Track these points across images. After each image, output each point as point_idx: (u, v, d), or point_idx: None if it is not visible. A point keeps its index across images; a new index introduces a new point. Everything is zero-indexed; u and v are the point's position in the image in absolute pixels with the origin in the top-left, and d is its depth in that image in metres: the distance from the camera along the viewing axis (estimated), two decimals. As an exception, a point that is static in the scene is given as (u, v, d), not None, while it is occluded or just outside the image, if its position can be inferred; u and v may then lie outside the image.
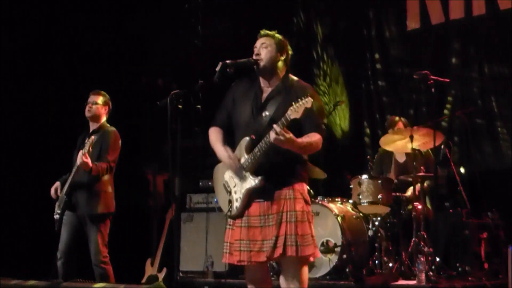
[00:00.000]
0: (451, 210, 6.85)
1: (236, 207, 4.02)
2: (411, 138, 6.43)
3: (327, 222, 6.60)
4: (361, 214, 6.80)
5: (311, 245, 3.93)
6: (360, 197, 6.61)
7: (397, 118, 7.14)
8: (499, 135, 7.94)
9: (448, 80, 6.69)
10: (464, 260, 6.48)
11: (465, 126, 7.79)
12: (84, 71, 8.70)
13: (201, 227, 7.74)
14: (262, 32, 4.19)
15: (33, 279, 5.34)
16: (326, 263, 6.46)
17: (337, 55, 9.31)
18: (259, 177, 3.93)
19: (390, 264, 6.40)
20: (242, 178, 4.00)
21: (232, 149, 4.09)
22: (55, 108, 8.61)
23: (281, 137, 3.76)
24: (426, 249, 6.12)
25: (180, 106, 4.10)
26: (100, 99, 5.99)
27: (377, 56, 8.95)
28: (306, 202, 4.01)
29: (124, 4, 9.06)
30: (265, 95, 4.11)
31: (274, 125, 3.79)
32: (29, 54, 8.69)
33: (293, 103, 3.77)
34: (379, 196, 6.51)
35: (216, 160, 4.28)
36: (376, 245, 6.54)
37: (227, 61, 4.09)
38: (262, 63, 4.09)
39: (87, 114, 5.97)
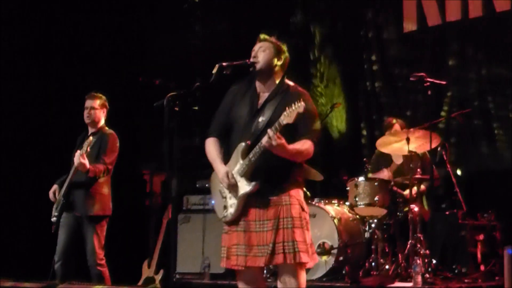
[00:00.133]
0: (447, 212, 6.86)
1: (231, 212, 4.02)
2: (408, 140, 6.44)
3: (324, 224, 6.62)
4: (357, 216, 6.81)
5: (308, 251, 3.94)
6: (357, 199, 6.62)
7: (394, 121, 7.14)
8: (496, 136, 7.95)
9: (444, 82, 6.70)
10: (460, 262, 6.49)
11: (462, 128, 7.81)
12: (83, 71, 8.71)
13: (198, 229, 7.74)
14: (261, 36, 4.20)
15: (32, 280, 5.36)
16: (323, 265, 6.48)
17: (334, 56, 9.32)
18: (254, 183, 3.94)
19: (387, 266, 6.41)
20: (237, 184, 4.01)
21: (228, 155, 4.09)
22: (54, 108, 8.61)
23: (273, 142, 3.78)
24: (422, 251, 6.13)
25: (176, 109, 4.09)
26: (97, 103, 5.98)
27: (374, 57, 8.96)
28: (302, 208, 4.01)
29: (123, 4, 9.06)
30: (261, 100, 4.11)
31: (268, 130, 3.81)
32: (28, 54, 8.69)
33: (287, 108, 3.78)
34: (376, 198, 6.52)
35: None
36: (372, 247, 6.56)
37: (224, 63, 4.09)
38: (258, 66, 4.10)
39: (86, 120, 5.97)
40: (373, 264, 6.47)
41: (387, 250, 6.58)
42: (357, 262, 6.62)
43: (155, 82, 8.76)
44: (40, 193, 6.25)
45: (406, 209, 6.57)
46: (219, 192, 4.13)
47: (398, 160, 7.10)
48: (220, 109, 4.25)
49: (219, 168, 4.10)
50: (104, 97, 6.06)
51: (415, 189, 6.49)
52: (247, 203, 3.99)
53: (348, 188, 6.81)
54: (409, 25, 8.68)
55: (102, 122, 6.02)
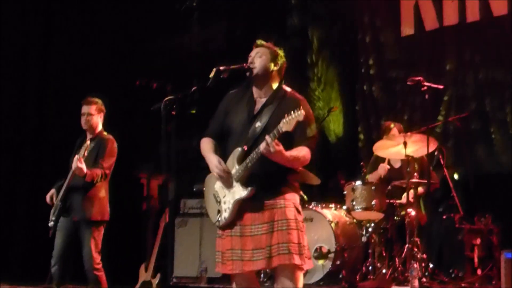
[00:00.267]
0: (444, 216, 6.87)
1: (225, 217, 4.02)
2: (405, 144, 6.44)
3: (321, 228, 6.62)
4: (354, 220, 6.81)
5: (303, 254, 3.94)
6: (354, 203, 6.62)
7: (392, 125, 7.13)
8: (493, 140, 7.96)
9: (442, 86, 6.71)
10: (457, 266, 6.50)
11: (459, 131, 7.82)
12: (80, 74, 8.72)
13: (195, 232, 7.74)
14: (258, 42, 4.20)
15: (29, 284, 5.36)
16: (320, 269, 6.48)
17: (332, 59, 9.33)
18: (249, 188, 3.94)
19: (384, 270, 6.41)
20: (232, 189, 4.01)
21: (223, 160, 4.08)
22: (52, 112, 8.62)
23: (271, 149, 3.78)
24: (419, 255, 6.13)
25: (174, 112, 4.09)
26: (93, 109, 5.95)
27: (371, 61, 8.97)
28: (298, 211, 4.01)
29: (120, 7, 9.07)
30: (258, 106, 4.11)
31: (266, 136, 3.81)
32: (25, 57, 8.70)
33: (286, 115, 3.78)
34: (373, 202, 6.52)
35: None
36: (369, 250, 6.56)
37: (221, 67, 4.09)
38: (255, 71, 4.10)
39: (84, 126, 5.95)
40: (370, 268, 6.47)
41: (384, 254, 6.58)
42: (354, 266, 6.63)
43: (152, 86, 8.76)
44: (38, 197, 6.25)
45: (403, 213, 6.57)
46: (213, 196, 4.12)
47: (396, 164, 7.10)
48: (216, 114, 4.25)
49: (211, 158, 4.09)
50: (100, 101, 6.04)
51: (412, 193, 6.49)
52: (242, 207, 3.99)
53: (345, 192, 6.80)
54: (407, 29, 8.69)
55: (99, 127, 6.00)
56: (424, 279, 5.97)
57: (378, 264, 6.47)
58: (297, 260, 3.89)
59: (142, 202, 8.70)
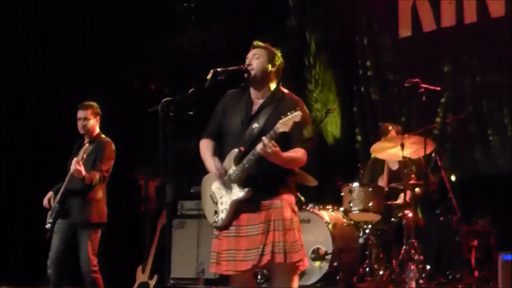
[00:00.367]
0: (442, 218, 6.87)
1: (222, 218, 4.03)
2: (402, 146, 6.44)
3: (318, 229, 6.62)
4: (352, 221, 6.81)
5: (299, 252, 3.94)
6: (351, 204, 6.62)
7: (390, 127, 7.12)
8: (491, 142, 7.96)
9: (439, 88, 6.72)
10: (454, 267, 6.50)
11: (456, 133, 7.82)
12: (78, 76, 8.71)
13: (192, 234, 7.74)
14: (255, 43, 4.21)
15: (27, 286, 5.35)
16: (317, 270, 6.48)
17: (329, 61, 9.33)
18: (246, 189, 3.94)
19: (381, 272, 6.41)
20: (229, 190, 4.01)
21: (220, 160, 4.09)
22: (50, 115, 8.62)
23: (268, 150, 3.79)
24: (416, 256, 6.13)
25: (171, 114, 4.09)
26: (89, 113, 5.95)
27: (369, 63, 8.97)
28: (294, 211, 4.02)
29: (118, 9, 9.07)
30: (255, 107, 4.12)
31: (263, 137, 3.81)
32: (23, 59, 8.70)
33: (282, 116, 3.79)
34: (370, 204, 6.52)
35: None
36: (366, 252, 6.56)
37: (218, 69, 4.10)
38: (253, 72, 4.11)
39: (81, 131, 5.95)
40: (367, 269, 6.47)
41: (381, 256, 6.58)
42: (352, 268, 6.62)
43: (150, 87, 8.77)
44: (37, 199, 6.22)
45: (401, 214, 6.58)
46: (210, 197, 4.13)
47: (394, 166, 7.10)
48: (214, 114, 4.26)
49: (209, 159, 4.11)
50: (95, 104, 6.03)
51: (409, 193, 6.49)
52: (239, 208, 4.00)
53: (342, 194, 6.80)
54: (404, 31, 8.70)
55: (97, 130, 6.00)
56: (421, 281, 5.98)
57: (376, 266, 6.48)
58: (295, 257, 3.90)
59: (140, 204, 8.71)
